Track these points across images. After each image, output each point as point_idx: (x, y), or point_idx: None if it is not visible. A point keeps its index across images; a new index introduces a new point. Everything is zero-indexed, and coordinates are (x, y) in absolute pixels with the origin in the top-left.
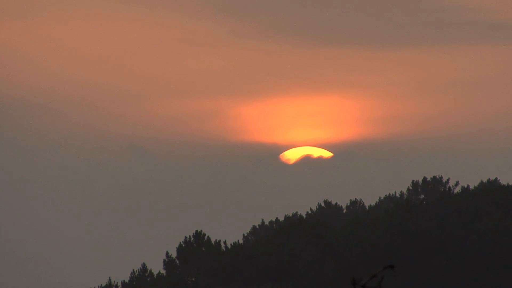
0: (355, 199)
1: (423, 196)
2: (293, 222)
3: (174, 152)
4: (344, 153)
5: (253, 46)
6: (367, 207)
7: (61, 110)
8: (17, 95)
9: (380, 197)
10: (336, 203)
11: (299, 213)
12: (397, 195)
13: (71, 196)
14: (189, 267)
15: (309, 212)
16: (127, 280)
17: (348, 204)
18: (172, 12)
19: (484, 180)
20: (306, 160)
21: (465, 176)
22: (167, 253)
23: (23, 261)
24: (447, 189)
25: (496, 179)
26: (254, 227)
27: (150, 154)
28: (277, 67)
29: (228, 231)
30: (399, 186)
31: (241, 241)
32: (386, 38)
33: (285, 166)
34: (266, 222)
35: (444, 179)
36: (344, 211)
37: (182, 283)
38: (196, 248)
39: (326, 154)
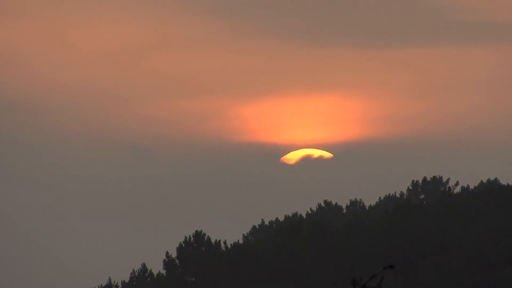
0: (355, 199)
1: (423, 196)
2: (293, 222)
3: (174, 152)
4: (344, 153)
5: (252, 45)
6: (367, 207)
7: (62, 110)
8: (18, 95)
9: (380, 197)
10: (336, 203)
11: (299, 213)
12: (397, 195)
13: (71, 196)
14: (189, 267)
15: (309, 212)
16: (127, 280)
17: (348, 204)
18: (172, 12)
19: (484, 180)
20: (306, 160)
21: (465, 176)
22: (167, 253)
23: (23, 261)
24: (447, 189)
25: (496, 179)
26: (254, 227)
27: (151, 154)
28: (277, 67)
29: (228, 231)
30: (399, 186)
31: (241, 241)
32: (386, 38)
33: (285, 166)
34: (266, 222)
35: (444, 179)
36: (344, 211)
37: (182, 283)
38: (196, 248)
39: (326, 154)
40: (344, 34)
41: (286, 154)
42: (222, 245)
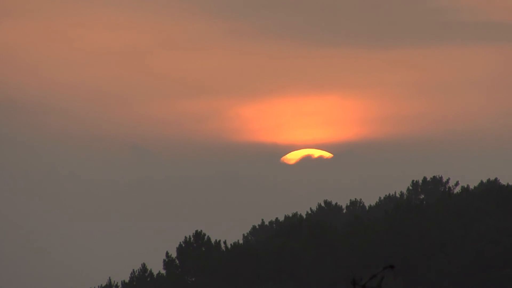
0: (355, 199)
1: (423, 196)
2: (293, 222)
3: (174, 152)
4: (344, 153)
5: (252, 46)
6: (367, 207)
7: (63, 110)
8: (18, 96)
9: (380, 197)
10: (336, 203)
11: (299, 213)
12: (397, 195)
13: (71, 196)
14: (189, 267)
15: (309, 212)
16: (127, 280)
17: (348, 204)
18: (172, 12)
19: (484, 180)
20: (306, 160)
21: (465, 176)
22: (167, 253)
23: (23, 261)
24: (447, 189)
25: (496, 179)
26: (254, 227)
27: (151, 154)
28: (277, 67)
29: (228, 231)
30: (399, 186)
31: (241, 241)
32: (386, 38)
33: (285, 166)
34: (266, 222)
35: (444, 179)
36: (344, 211)
37: (182, 283)
38: (196, 248)
39: (326, 154)
40: (344, 34)
41: (286, 154)
42: (222, 245)
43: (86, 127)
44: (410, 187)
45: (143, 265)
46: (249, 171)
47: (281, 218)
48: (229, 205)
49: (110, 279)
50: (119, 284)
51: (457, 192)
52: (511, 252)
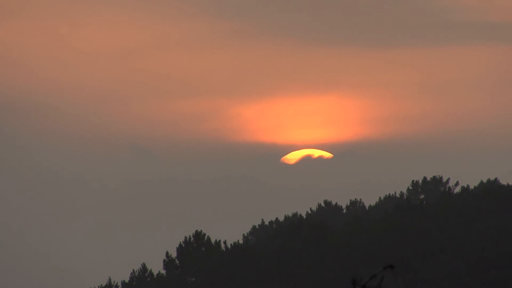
0: (355, 199)
1: (423, 196)
2: (293, 222)
3: (174, 152)
4: (344, 153)
5: (252, 45)
6: (367, 207)
7: (62, 111)
8: (18, 95)
9: (380, 197)
10: (336, 203)
11: (299, 213)
12: (397, 195)
13: (71, 196)
14: (189, 267)
15: (309, 212)
16: (127, 280)
17: (348, 204)
18: (172, 12)
19: (484, 180)
20: (307, 160)
21: (465, 176)
22: (167, 253)
23: (23, 261)
24: (447, 189)
25: (496, 179)
26: (254, 227)
27: (151, 154)
28: (277, 67)
29: (228, 231)
30: (399, 186)
31: (241, 241)
32: (386, 38)
33: (285, 166)
34: (266, 222)
35: (444, 179)
36: (344, 211)
37: (182, 283)
38: (196, 248)
39: (326, 154)
40: (344, 34)
41: (286, 154)
42: (222, 245)
43: (85, 127)
44: (410, 187)
45: (143, 265)
46: (249, 171)
47: (281, 218)
48: (229, 205)
49: (110, 279)
50: (119, 284)
51: (457, 192)
52: (511, 252)
